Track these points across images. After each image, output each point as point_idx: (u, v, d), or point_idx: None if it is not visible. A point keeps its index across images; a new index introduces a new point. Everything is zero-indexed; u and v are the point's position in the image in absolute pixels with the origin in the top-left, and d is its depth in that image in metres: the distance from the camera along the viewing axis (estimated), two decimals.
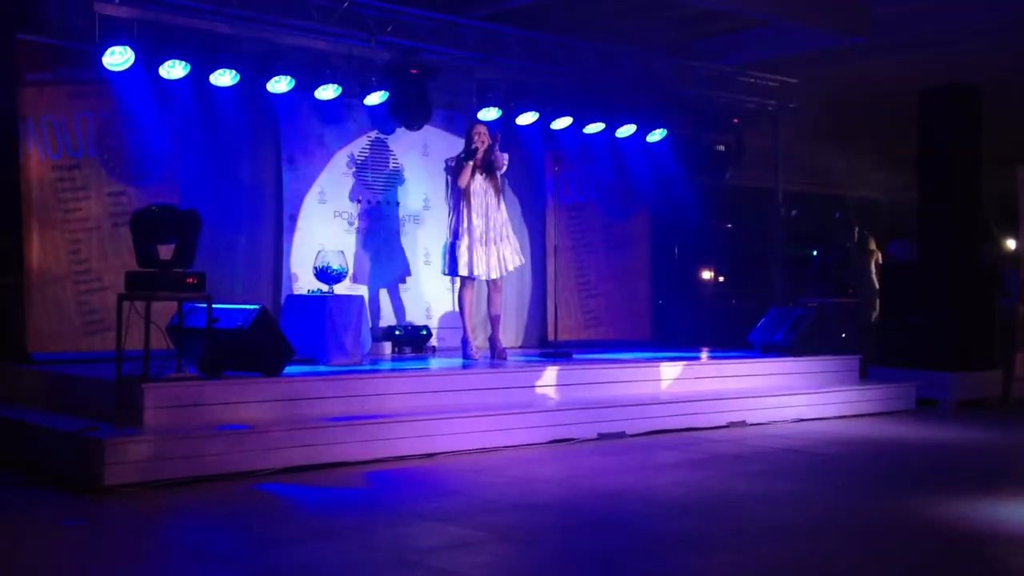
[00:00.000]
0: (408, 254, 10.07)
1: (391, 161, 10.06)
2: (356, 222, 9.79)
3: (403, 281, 10.04)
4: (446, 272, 8.85)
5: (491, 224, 8.68)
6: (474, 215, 8.60)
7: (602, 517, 5.28)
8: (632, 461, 6.96)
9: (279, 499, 5.81)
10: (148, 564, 4.47)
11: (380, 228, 9.94)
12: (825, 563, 4.50)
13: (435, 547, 4.68)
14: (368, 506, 5.63)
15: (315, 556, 4.48)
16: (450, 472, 6.44)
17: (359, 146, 9.85)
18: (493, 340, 8.92)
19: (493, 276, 8.71)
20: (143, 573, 4.34)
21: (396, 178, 10.08)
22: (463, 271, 8.61)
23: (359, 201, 9.83)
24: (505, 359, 8.74)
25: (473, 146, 8.57)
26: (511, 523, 5.13)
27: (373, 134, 9.93)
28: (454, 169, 8.70)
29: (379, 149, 9.99)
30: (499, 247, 8.70)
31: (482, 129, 8.71)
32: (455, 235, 8.64)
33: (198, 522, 5.30)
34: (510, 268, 8.82)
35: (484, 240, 8.63)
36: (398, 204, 10.07)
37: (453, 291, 10.28)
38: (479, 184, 8.65)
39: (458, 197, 8.68)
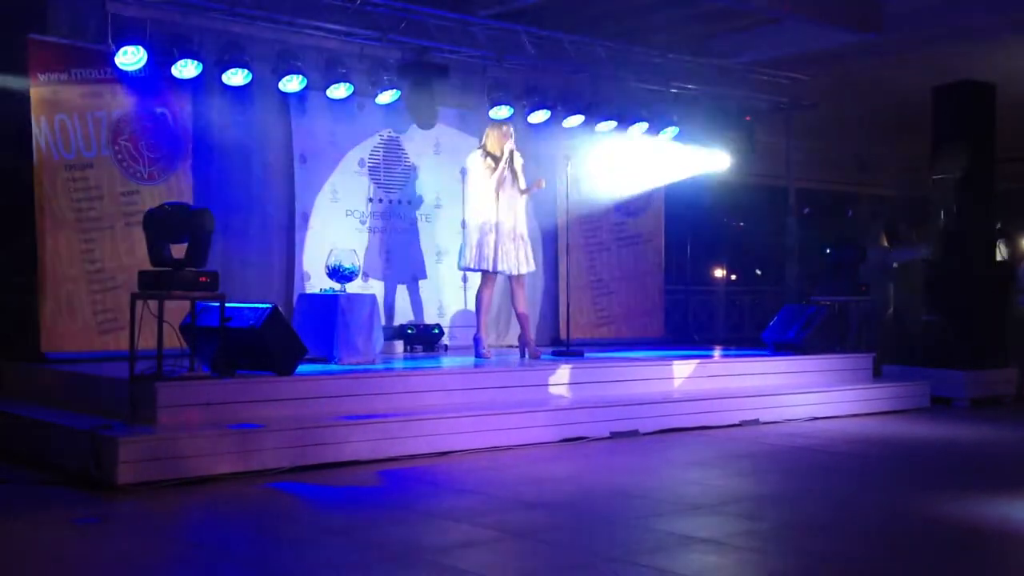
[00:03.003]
0: (420, 253, 10.07)
1: (403, 160, 10.06)
2: (368, 221, 9.79)
3: (415, 280, 10.05)
4: (470, 268, 8.73)
5: (516, 222, 8.70)
6: (502, 212, 8.60)
7: (615, 516, 5.27)
8: (645, 460, 6.94)
9: (291, 498, 5.82)
10: (161, 562, 4.48)
11: (392, 227, 9.95)
12: (840, 561, 4.48)
13: (447, 546, 4.68)
14: (380, 505, 5.63)
15: (327, 554, 4.48)
16: (462, 471, 6.43)
17: (371, 145, 9.86)
18: (524, 339, 8.87)
19: (521, 271, 8.72)
20: (156, 571, 4.34)
21: (408, 177, 10.08)
22: (488, 266, 8.57)
23: (371, 200, 9.83)
24: (538, 358, 8.66)
25: (506, 145, 8.57)
26: (523, 522, 5.13)
27: (385, 133, 9.93)
28: (480, 165, 8.62)
29: (391, 148, 9.99)
30: (521, 245, 8.71)
31: (509, 129, 8.73)
32: (483, 231, 8.60)
33: (210, 520, 5.31)
34: (523, 271, 8.81)
35: (512, 237, 8.64)
36: (410, 203, 10.08)
37: (465, 289, 10.28)
38: (508, 182, 8.66)
39: (486, 193, 8.64)
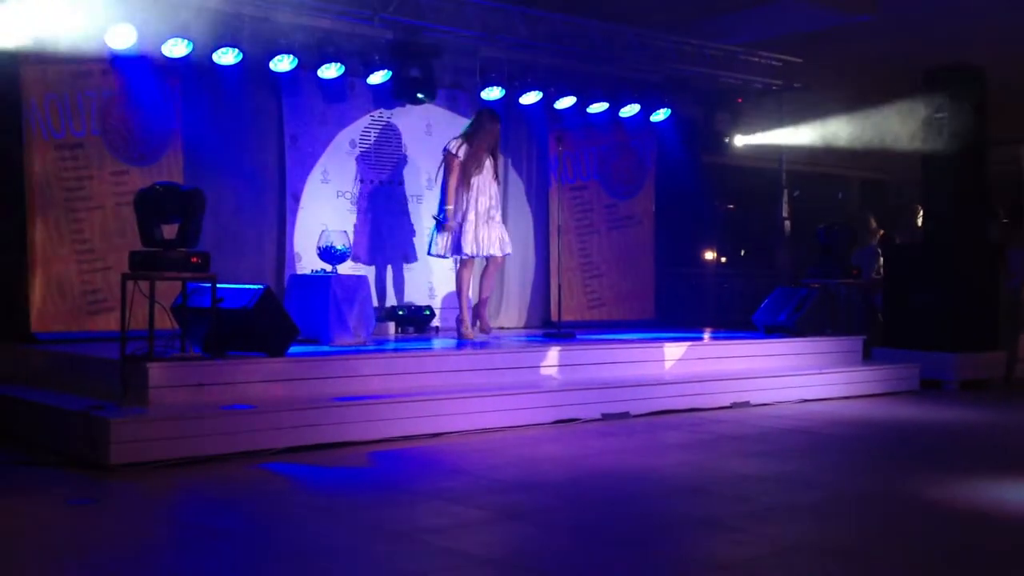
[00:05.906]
0: (411, 234, 10.05)
1: (394, 141, 10.03)
2: (359, 202, 9.77)
3: (406, 261, 10.04)
4: (441, 255, 8.90)
5: (493, 203, 8.85)
6: (479, 196, 8.70)
7: (608, 497, 5.29)
8: (636, 441, 6.96)
9: (284, 478, 5.82)
10: (154, 542, 4.49)
11: (383, 207, 9.93)
12: (830, 542, 4.50)
13: (440, 527, 4.69)
14: (373, 486, 5.64)
15: (319, 535, 4.49)
16: (455, 452, 6.44)
17: (362, 126, 9.83)
18: (479, 314, 9.12)
19: (498, 252, 8.88)
20: (149, 551, 4.35)
21: (399, 158, 10.06)
22: (470, 250, 8.73)
23: (362, 181, 9.81)
24: (488, 333, 9.04)
25: (483, 129, 8.75)
26: (516, 503, 5.14)
27: (376, 113, 9.90)
28: (463, 153, 8.71)
29: (382, 129, 9.96)
30: (496, 228, 8.87)
31: (498, 124, 8.94)
32: (457, 217, 8.72)
33: (203, 501, 5.31)
34: (496, 252, 8.91)
35: (487, 219, 8.78)
36: (401, 184, 10.05)
37: (455, 271, 10.27)
38: (487, 164, 8.78)
39: (463, 180, 8.73)
